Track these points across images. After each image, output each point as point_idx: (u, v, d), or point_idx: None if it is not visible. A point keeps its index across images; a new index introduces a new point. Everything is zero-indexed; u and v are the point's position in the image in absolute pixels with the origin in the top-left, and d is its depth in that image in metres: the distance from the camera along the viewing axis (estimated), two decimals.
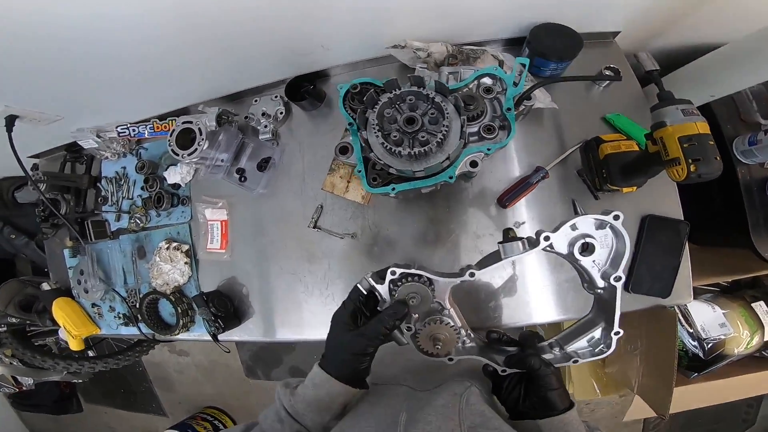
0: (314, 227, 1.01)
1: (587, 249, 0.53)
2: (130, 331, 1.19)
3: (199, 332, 1.10)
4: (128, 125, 1.11)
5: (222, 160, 1.02)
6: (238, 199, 1.09)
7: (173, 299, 1.07)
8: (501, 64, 0.83)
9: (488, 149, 0.67)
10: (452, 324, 0.58)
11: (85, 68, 0.84)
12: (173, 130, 1.00)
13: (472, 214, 0.93)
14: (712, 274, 1.18)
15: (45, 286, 1.24)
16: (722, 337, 1.20)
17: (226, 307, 1.03)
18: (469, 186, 0.93)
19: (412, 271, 0.56)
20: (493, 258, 0.56)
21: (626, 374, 1.41)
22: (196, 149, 0.97)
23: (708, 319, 1.21)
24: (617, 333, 0.55)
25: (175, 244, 1.11)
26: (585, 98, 0.92)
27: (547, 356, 0.60)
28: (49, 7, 0.63)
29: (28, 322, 1.40)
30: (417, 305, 0.56)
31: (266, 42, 0.86)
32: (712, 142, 0.62)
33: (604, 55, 0.92)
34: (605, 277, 0.55)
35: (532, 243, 0.54)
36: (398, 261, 0.93)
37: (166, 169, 1.13)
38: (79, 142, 1.15)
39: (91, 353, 1.72)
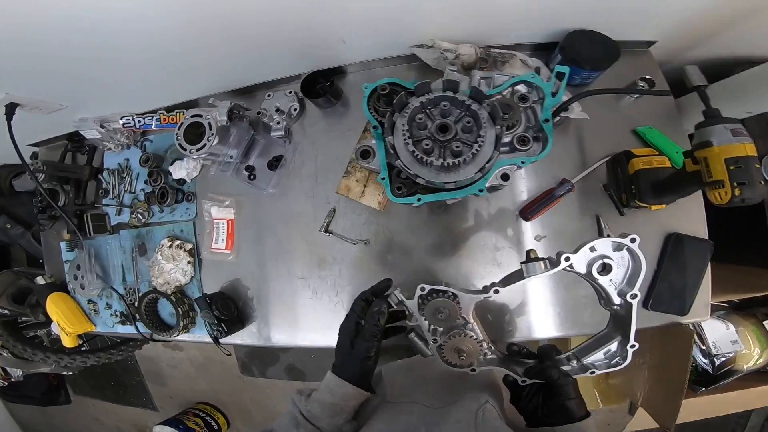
0: (326, 231, 0.97)
1: (605, 269, 0.55)
2: (127, 329, 1.14)
3: (199, 333, 1.06)
4: (133, 116, 1.06)
5: (231, 157, 0.97)
6: (247, 197, 1.04)
7: (174, 300, 1.03)
8: (537, 70, 0.79)
9: (522, 162, 0.63)
10: (475, 337, 0.60)
11: (90, 56, 0.79)
12: (181, 123, 0.96)
13: (492, 226, 0.89)
14: (727, 291, 1.17)
15: (40, 281, 1.19)
16: (733, 354, 1.20)
17: (229, 310, 0.99)
18: (490, 197, 0.90)
19: (441, 287, 0.59)
20: (516, 276, 0.59)
21: (631, 386, 1.41)
22: (205, 145, 0.93)
23: (720, 335, 1.21)
24: (633, 346, 0.59)
25: (178, 242, 1.06)
26: (615, 109, 0.89)
27: (564, 368, 0.62)
28: None
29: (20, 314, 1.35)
30: (444, 319, 0.59)
31: (283, 32, 0.81)
32: (758, 165, 0.59)
33: (637, 65, 0.88)
34: (622, 294, 0.57)
35: (553, 263, 0.56)
36: (413, 270, 0.91)
37: (171, 164, 1.08)
38: (81, 132, 1.09)
39: (83, 347, 1.67)
